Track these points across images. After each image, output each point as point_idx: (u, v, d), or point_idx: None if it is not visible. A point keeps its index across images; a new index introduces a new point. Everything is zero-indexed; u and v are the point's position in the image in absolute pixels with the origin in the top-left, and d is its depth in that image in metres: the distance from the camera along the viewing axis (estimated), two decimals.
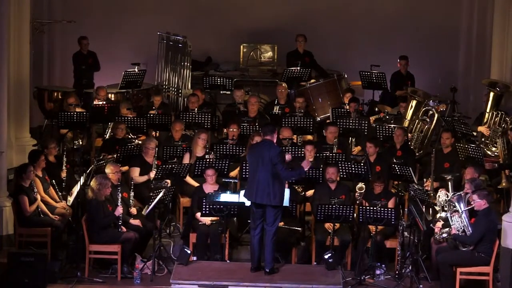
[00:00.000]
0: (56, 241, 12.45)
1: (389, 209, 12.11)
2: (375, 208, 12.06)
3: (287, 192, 11.71)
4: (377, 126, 14.59)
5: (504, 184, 13.37)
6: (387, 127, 14.47)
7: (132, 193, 12.61)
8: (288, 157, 11.81)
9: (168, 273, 11.99)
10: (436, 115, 14.91)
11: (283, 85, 15.68)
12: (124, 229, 12.20)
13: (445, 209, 12.10)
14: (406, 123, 15.09)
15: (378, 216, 12.04)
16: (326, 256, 11.83)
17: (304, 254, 12.76)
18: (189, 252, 12.00)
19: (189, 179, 13.32)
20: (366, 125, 14.47)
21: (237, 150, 13.61)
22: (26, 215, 12.36)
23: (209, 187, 12.65)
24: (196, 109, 14.89)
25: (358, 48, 17.93)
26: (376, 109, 15.94)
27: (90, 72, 16.70)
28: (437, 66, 17.92)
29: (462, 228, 11.71)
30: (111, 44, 17.64)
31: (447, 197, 12.18)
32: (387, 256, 12.42)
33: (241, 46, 17.71)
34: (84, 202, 12.53)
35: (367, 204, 12.41)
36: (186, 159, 13.53)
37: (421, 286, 11.84)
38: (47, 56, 17.75)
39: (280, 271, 11.69)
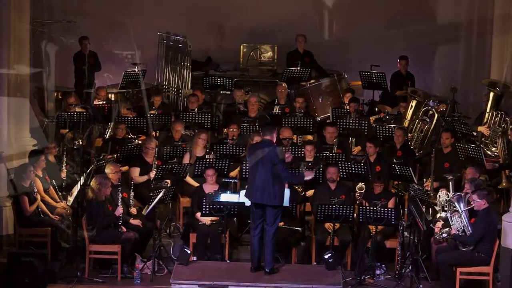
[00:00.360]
0: (56, 241, 12.45)
1: (389, 209, 12.11)
2: (375, 208, 12.06)
3: (287, 192, 11.70)
4: (377, 126, 14.58)
5: (504, 184, 13.36)
6: (387, 127, 14.46)
7: (132, 193, 12.61)
8: (288, 155, 11.79)
9: (168, 273, 11.99)
10: (436, 115, 14.91)
11: (283, 85, 15.67)
12: (124, 229, 12.20)
13: (445, 209, 12.10)
14: (406, 123, 15.09)
15: (378, 216, 12.04)
16: (326, 256, 11.83)
17: (304, 254, 12.75)
18: (189, 252, 12.00)
19: (189, 179, 13.31)
20: (366, 125, 14.47)
21: (237, 150, 13.61)
22: (26, 215, 12.36)
23: (209, 187, 12.64)
24: (196, 109, 14.89)
25: (358, 48, 17.92)
26: (376, 109, 15.94)
27: (91, 72, 16.70)
28: (437, 66, 17.92)
29: (462, 228, 11.70)
30: (111, 45, 17.62)
31: (448, 197, 12.17)
32: (387, 256, 12.42)
33: (241, 46, 17.67)
34: (84, 202, 12.53)
35: (367, 204, 12.41)
36: (186, 159, 13.53)
37: (421, 286, 11.84)
38: (47, 56, 17.71)
39: (280, 271, 11.68)
